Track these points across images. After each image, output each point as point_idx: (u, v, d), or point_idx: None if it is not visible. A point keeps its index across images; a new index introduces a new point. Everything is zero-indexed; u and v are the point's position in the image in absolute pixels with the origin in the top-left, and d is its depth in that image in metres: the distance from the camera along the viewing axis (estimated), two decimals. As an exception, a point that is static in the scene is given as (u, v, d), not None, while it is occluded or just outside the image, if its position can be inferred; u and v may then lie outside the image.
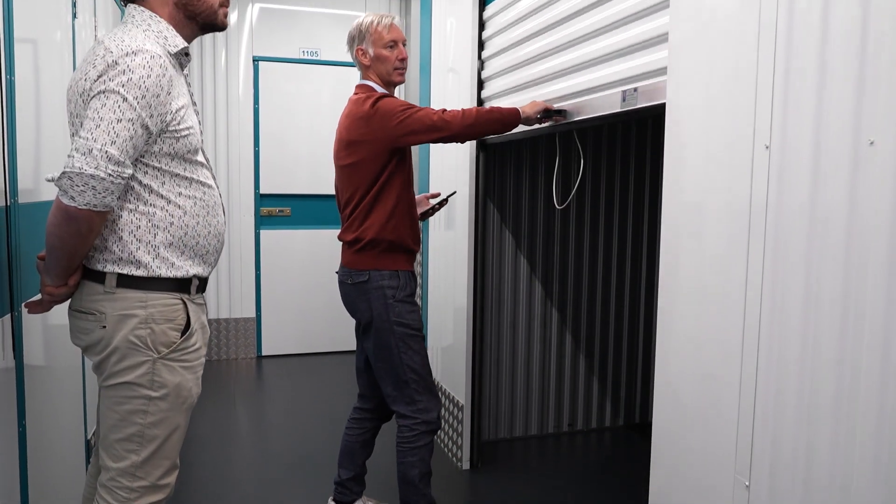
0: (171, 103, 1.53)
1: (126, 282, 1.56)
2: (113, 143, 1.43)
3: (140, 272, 1.56)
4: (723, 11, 1.55)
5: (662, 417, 1.79)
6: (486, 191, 3.14)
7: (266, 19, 5.00)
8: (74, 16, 2.50)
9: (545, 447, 3.54)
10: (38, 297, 1.62)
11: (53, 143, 2.18)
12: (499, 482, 3.12)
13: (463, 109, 2.30)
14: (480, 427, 3.29)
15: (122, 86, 1.45)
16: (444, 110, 2.28)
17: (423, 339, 2.41)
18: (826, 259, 1.28)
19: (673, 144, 1.74)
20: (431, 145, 3.45)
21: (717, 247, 1.58)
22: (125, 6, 1.66)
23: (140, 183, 1.55)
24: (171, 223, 1.59)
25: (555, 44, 2.41)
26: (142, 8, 1.62)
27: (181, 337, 1.61)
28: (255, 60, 4.99)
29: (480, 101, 3.07)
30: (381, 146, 2.28)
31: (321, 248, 5.11)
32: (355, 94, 2.41)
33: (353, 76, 2.53)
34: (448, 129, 2.25)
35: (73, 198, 1.42)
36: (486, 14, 3.02)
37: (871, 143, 1.19)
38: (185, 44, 1.64)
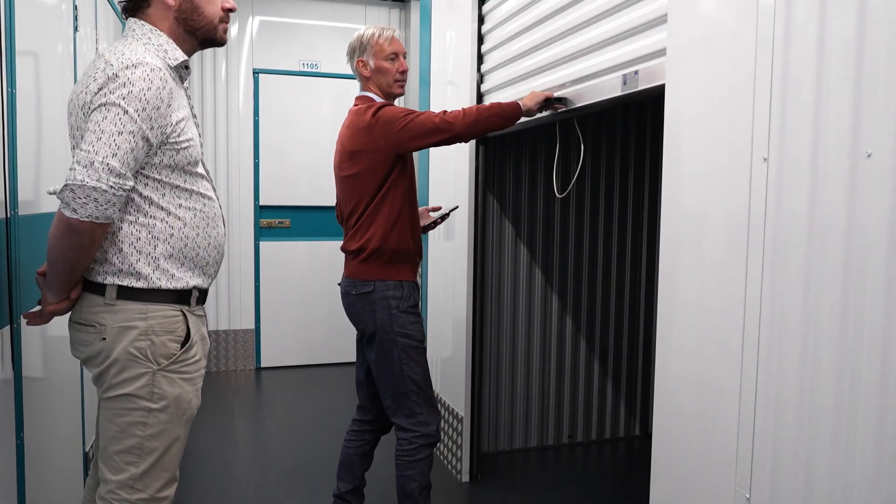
0: (171, 115, 1.54)
1: (126, 293, 1.56)
2: (114, 155, 1.44)
3: (140, 284, 1.57)
4: (720, 25, 1.56)
5: (662, 428, 1.79)
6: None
7: (266, 32, 5.03)
8: (76, 29, 2.52)
9: (545, 459, 3.52)
10: (38, 308, 1.62)
11: (54, 156, 2.19)
12: (498, 495, 3.11)
13: (463, 109, 2.30)
14: (480, 439, 3.28)
15: (123, 98, 1.46)
16: (445, 112, 2.28)
17: (425, 350, 2.41)
18: (825, 270, 1.28)
19: (671, 156, 1.75)
20: None
21: (715, 258, 1.58)
22: (126, 20, 1.67)
23: (140, 195, 1.56)
24: (172, 235, 1.59)
25: (554, 39, 2.42)
26: (142, 22, 1.63)
27: (181, 349, 1.61)
28: (256, 73, 5.01)
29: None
30: (383, 154, 2.28)
31: (321, 259, 5.12)
32: (355, 105, 2.42)
33: (353, 88, 2.54)
34: (451, 129, 2.26)
35: (75, 210, 1.42)
36: (484, 28, 3.04)
37: (869, 155, 1.19)
38: (185, 57, 1.65)
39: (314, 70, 5.11)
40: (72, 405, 2.48)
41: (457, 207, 2.81)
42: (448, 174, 3.35)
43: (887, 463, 1.17)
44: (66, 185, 1.42)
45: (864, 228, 1.20)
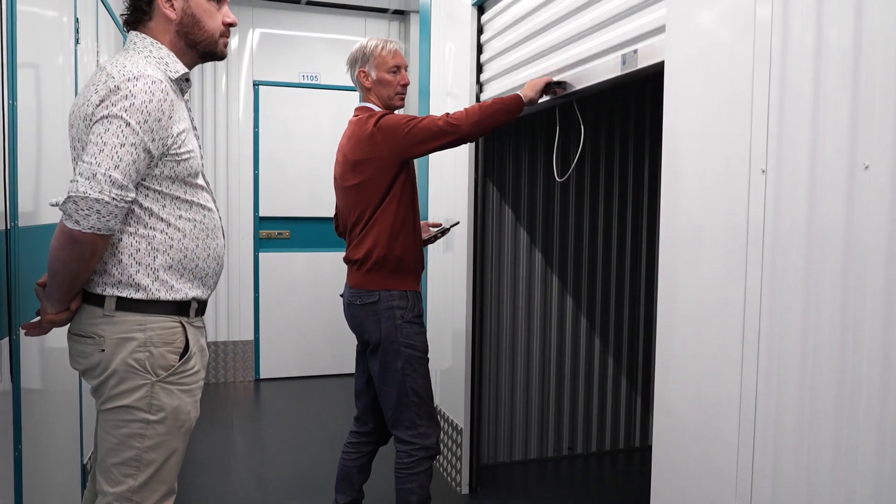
0: (172, 127, 1.55)
1: (125, 305, 1.56)
2: (116, 167, 1.44)
3: (139, 295, 1.57)
4: (717, 40, 1.57)
5: (662, 439, 1.79)
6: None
7: (266, 44, 5.05)
8: (77, 41, 2.53)
9: (545, 471, 3.51)
10: (37, 319, 1.62)
11: (54, 167, 2.19)
12: (498, 507, 3.10)
13: (466, 109, 2.30)
14: (479, 451, 3.27)
15: (125, 111, 1.46)
16: (448, 114, 2.28)
17: (428, 361, 2.40)
18: (824, 280, 1.29)
19: (670, 168, 1.75)
20: None
21: (714, 269, 1.59)
22: (127, 33, 1.68)
23: (141, 206, 1.56)
24: (171, 246, 1.60)
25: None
26: (143, 35, 1.64)
27: (180, 360, 1.61)
28: (256, 85, 5.03)
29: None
30: (387, 163, 2.28)
31: (320, 270, 5.12)
32: (356, 115, 2.42)
33: (353, 100, 2.56)
34: (456, 131, 2.25)
35: (77, 221, 1.43)
36: (483, 37, 3.06)
37: (866, 167, 1.20)
38: (186, 70, 1.66)
39: (314, 82, 5.13)
40: (70, 417, 2.47)
41: (457, 223, 2.81)
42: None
43: (888, 472, 1.17)
44: (68, 197, 1.43)
45: (863, 239, 1.21)
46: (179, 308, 1.62)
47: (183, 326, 1.62)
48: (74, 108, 1.56)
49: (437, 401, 3.42)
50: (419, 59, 3.82)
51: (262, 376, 5.12)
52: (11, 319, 1.78)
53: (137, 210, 1.56)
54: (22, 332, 1.71)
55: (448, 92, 3.38)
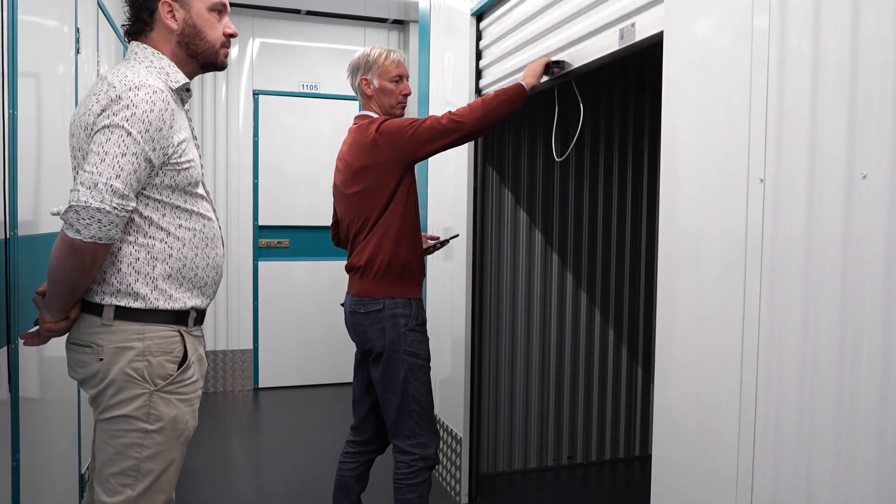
0: (172, 137, 1.55)
1: (124, 314, 1.56)
2: (117, 176, 1.45)
3: (138, 304, 1.56)
4: (716, 48, 1.58)
5: (662, 445, 1.78)
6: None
7: (266, 53, 5.07)
8: (77, 51, 2.54)
9: (544, 480, 3.50)
10: (36, 328, 1.62)
11: (54, 177, 2.20)
12: (498, 517, 3.09)
13: (468, 104, 2.28)
14: (479, 460, 3.26)
15: (126, 120, 1.47)
16: (451, 112, 2.26)
17: (430, 370, 2.39)
18: (822, 288, 1.29)
19: (668, 176, 1.76)
20: None
21: (713, 277, 1.59)
22: (128, 43, 1.69)
23: (140, 215, 1.56)
24: (170, 255, 1.60)
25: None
26: (144, 45, 1.65)
27: (178, 369, 1.60)
28: (255, 94, 5.05)
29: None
30: (390, 168, 2.27)
31: (319, 279, 5.11)
32: (356, 123, 2.42)
33: (353, 109, 2.56)
34: (461, 128, 2.23)
35: (78, 231, 1.43)
36: (482, 43, 3.07)
37: (864, 176, 1.20)
38: (186, 80, 1.67)
39: (314, 91, 5.15)
40: (68, 427, 2.47)
41: (457, 235, 2.81)
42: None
43: (888, 476, 1.17)
44: (69, 207, 1.43)
45: (861, 248, 1.21)
46: (178, 317, 1.62)
47: (181, 336, 1.62)
48: (75, 117, 1.56)
49: (436, 410, 3.41)
50: (418, 69, 3.83)
51: (261, 385, 5.11)
52: (10, 329, 1.78)
53: (137, 219, 1.56)
54: (20, 341, 1.71)
55: (448, 101, 3.39)
